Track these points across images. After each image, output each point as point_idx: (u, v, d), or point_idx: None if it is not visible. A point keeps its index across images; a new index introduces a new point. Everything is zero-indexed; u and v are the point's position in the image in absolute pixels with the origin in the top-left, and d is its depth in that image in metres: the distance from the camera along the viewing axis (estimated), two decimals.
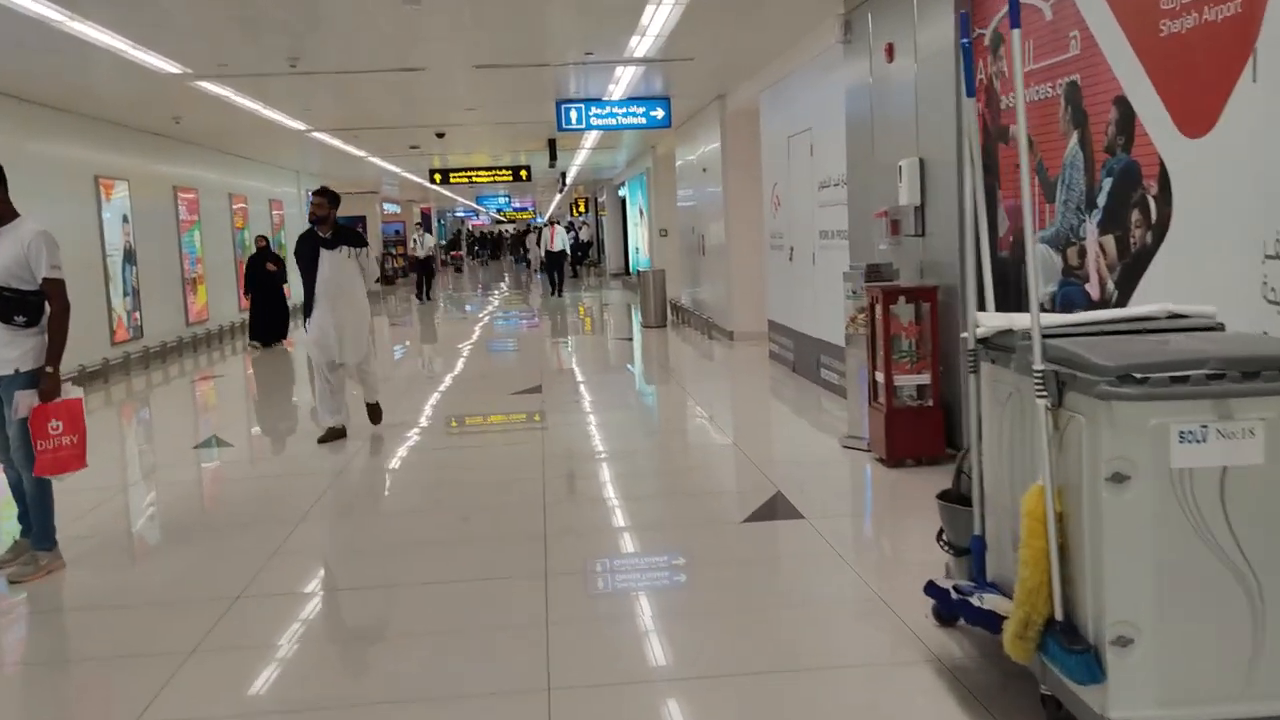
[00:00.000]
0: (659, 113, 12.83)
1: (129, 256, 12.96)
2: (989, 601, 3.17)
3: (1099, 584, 2.67)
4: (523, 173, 21.81)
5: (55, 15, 7.25)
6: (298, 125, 14.12)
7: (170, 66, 9.36)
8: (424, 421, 8.79)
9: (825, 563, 4.70)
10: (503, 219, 50.09)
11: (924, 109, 6.54)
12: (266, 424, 9.67)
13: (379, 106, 13.23)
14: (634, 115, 12.85)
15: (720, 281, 13.80)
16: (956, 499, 3.75)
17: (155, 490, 6.97)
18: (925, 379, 6.38)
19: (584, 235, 36.82)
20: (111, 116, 12.59)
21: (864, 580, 4.42)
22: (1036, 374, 2.82)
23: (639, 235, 24.66)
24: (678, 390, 10.34)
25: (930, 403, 6.39)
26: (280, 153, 19.12)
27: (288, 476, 7.09)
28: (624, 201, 28.17)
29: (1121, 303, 4.56)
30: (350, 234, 7.83)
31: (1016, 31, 3.18)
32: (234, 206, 18.08)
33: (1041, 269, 5.28)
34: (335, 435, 7.77)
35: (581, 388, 10.55)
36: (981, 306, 3.46)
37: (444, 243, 48.95)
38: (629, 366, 12.72)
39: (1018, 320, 3.11)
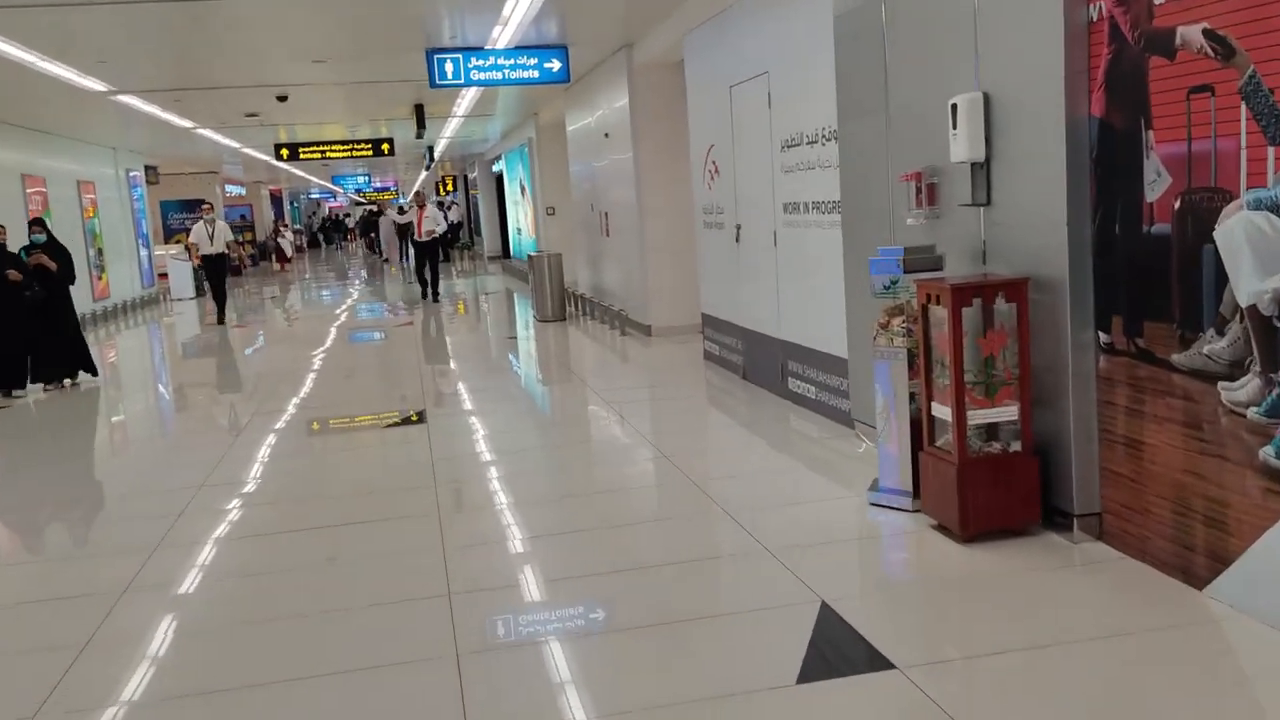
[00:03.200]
0: (555, 64, 10.56)
1: None
2: None
3: None
4: (384, 146, 19.17)
5: None
6: (96, 85, 11.24)
7: None
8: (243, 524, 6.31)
9: None
10: (362, 200, 46.42)
11: (991, 20, 4.52)
12: (36, 497, 6.97)
13: (199, 58, 10.53)
14: (524, 68, 10.54)
15: (632, 267, 11.65)
16: None
17: None
18: (1011, 413, 4.40)
19: (454, 216, 33.95)
20: None
21: None
22: None
23: (520, 215, 22.23)
24: (609, 412, 8.11)
25: (1018, 447, 4.41)
26: (89, 125, 15.97)
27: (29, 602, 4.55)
28: (500, 177, 25.65)
29: None
30: None
31: None
32: (29, 191, 15.01)
33: (1254, 252, 3.32)
34: None
35: (475, 417, 8.25)
36: None
37: (299, 227, 45.18)
38: (536, 380, 10.47)
39: None
